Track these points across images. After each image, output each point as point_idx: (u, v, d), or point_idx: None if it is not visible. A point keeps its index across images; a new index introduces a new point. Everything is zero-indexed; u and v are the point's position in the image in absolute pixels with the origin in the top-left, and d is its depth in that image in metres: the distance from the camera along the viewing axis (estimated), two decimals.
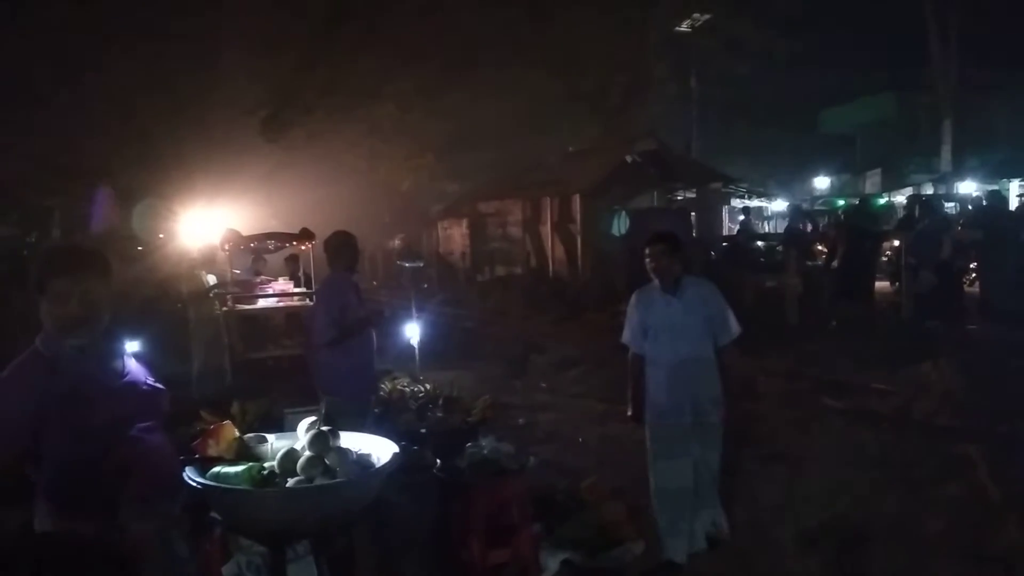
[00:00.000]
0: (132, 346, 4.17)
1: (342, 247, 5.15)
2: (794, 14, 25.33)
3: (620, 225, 15.01)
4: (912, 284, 11.09)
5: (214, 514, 2.60)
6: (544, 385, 9.30)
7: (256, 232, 11.39)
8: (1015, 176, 20.85)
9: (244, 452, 2.57)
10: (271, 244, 11.25)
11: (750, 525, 4.89)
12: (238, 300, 10.15)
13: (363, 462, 2.51)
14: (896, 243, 13.05)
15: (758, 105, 30.11)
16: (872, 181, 28.08)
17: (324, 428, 2.58)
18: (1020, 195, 18.39)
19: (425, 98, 23.80)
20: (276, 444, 2.64)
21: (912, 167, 27.02)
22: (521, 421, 7.36)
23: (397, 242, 24.31)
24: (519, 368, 10.29)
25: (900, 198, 23.24)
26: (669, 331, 4.48)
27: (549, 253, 18.90)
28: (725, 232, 21.22)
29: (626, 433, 6.98)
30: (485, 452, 4.09)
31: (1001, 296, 10.87)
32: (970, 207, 17.92)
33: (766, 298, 12.75)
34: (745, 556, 4.52)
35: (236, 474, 2.45)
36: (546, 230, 19.00)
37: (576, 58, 23.93)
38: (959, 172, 23.11)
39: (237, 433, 2.61)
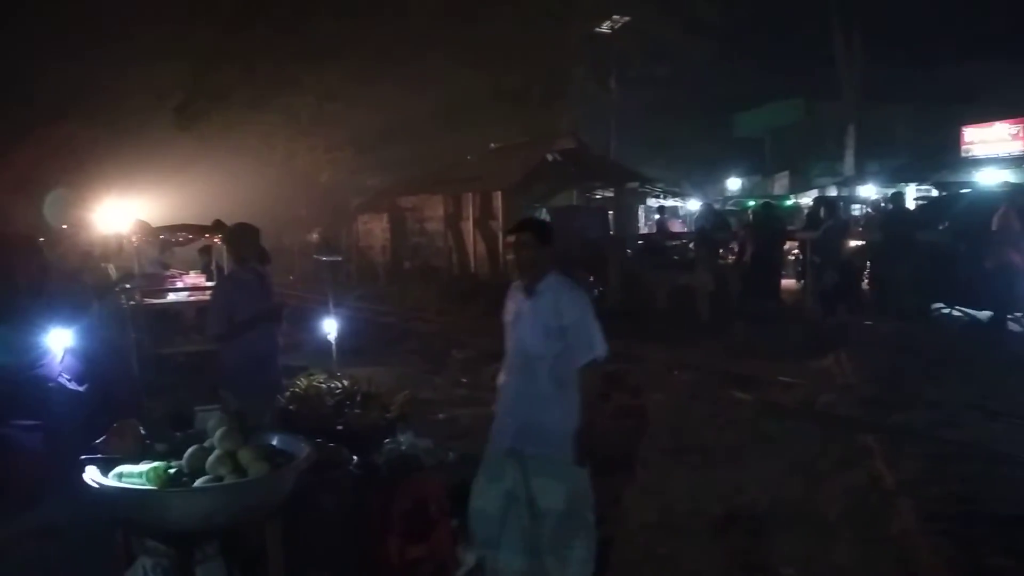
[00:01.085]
0: (64, 342, 3.96)
1: (241, 239, 5.04)
2: (710, 20, 26.08)
3: None
4: (816, 282, 11.62)
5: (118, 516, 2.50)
6: (464, 380, 9.30)
7: (167, 224, 10.99)
8: (912, 181, 22.05)
9: (150, 451, 2.48)
10: (182, 236, 10.87)
11: (660, 515, 5.02)
12: (147, 294, 9.77)
13: (275, 460, 2.46)
14: (801, 242, 13.64)
15: (674, 108, 30.90)
16: (780, 183, 29.18)
17: (235, 425, 2.51)
18: (917, 199, 19.47)
19: (345, 90, 23.45)
20: (184, 443, 2.56)
21: (818, 170, 28.21)
22: (441, 416, 7.34)
23: (315, 236, 23.85)
24: (439, 364, 10.25)
25: (806, 200, 24.27)
26: (513, 337, 3.83)
27: (470, 249, 18.91)
28: (641, 230, 21.69)
29: None
30: (403, 448, 4.07)
31: (897, 293, 11.50)
32: (869, 210, 18.89)
33: (679, 295, 13.10)
34: (655, 545, 4.64)
35: (140, 473, 2.37)
36: (468, 226, 19.01)
37: (498, 56, 24.00)
38: (861, 176, 24.28)
39: (142, 431, 2.52)
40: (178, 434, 2.61)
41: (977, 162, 21.37)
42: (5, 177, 17.01)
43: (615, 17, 24.71)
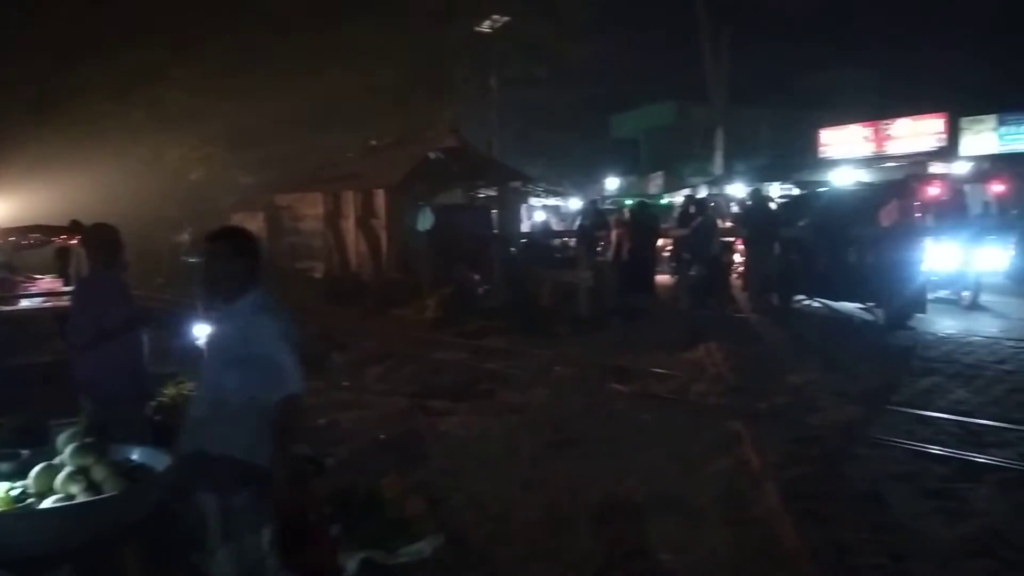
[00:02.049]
0: None
1: (101, 242, 4.72)
2: (588, 22, 26.71)
3: (424, 221, 15.07)
4: (687, 277, 12.13)
5: None
6: (346, 383, 9.10)
7: (18, 225, 10.19)
8: (775, 180, 23.38)
9: None
10: (34, 238, 10.10)
11: (544, 509, 5.09)
12: None
13: (134, 475, 2.29)
14: (674, 239, 14.20)
15: (554, 109, 31.44)
16: (655, 183, 30.25)
17: (88, 440, 2.32)
18: (780, 196, 20.67)
19: (215, 83, 22.49)
20: (32, 460, 2.34)
21: (689, 170, 29.45)
22: (321, 421, 7.15)
23: (185, 236, 22.72)
24: (319, 367, 9.98)
25: (679, 199, 25.29)
26: (205, 360, 3.35)
27: (352, 248, 18.54)
28: (524, 229, 21.93)
29: (428, 428, 7.05)
30: None
31: (763, 287, 12.18)
32: (737, 208, 19.86)
33: (561, 292, 13.36)
34: (539, 539, 4.70)
35: None
36: (348, 225, 18.62)
37: (377, 52, 23.67)
38: (729, 175, 25.52)
39: None
40: (25, 452, 2.39)
41: (833, 162, 22.90)
42: None
43: (495, 17, 24.82)
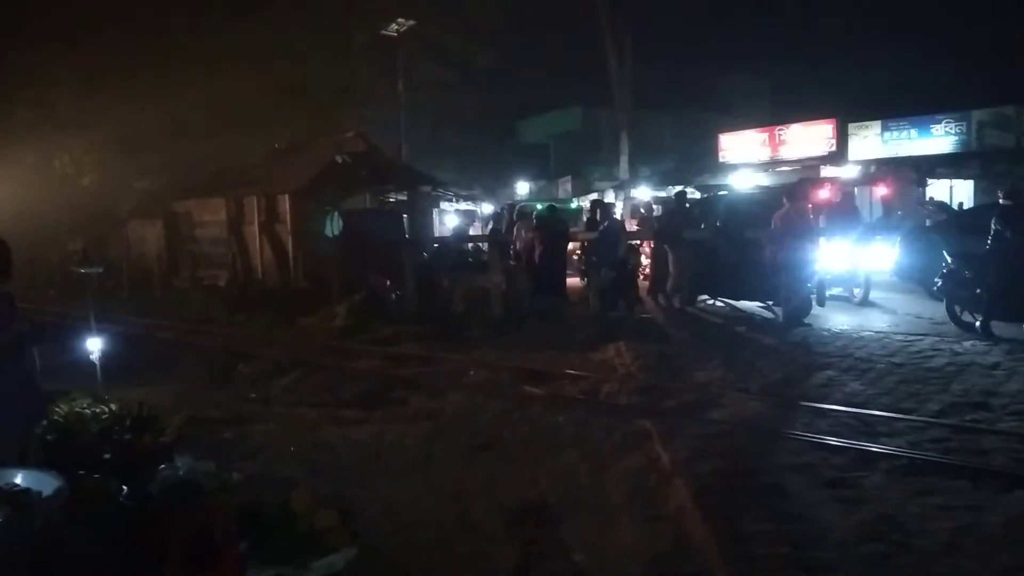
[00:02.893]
0: None
1: None
2: (494, 28, 26.84)
3: (333, 226, 14.78)
4: (596, 279, 12.34)
5: None
6: (253, 395, 8.83)
7: None
8: (678, 183, 24.05)
9: None
10: None
11: (458, 514, 5.07)
12: None
13: (17, 500, 2.13)
14: (583, 243, 14.43)
15: (463, 112, 31.48)
16: (564, 187, 30.65)
17: None
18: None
19: (108, 84, 21.45)
20: None
21: (597, 175, 29.97)
22: (227, 435, 6.91)
23: (76, 245, 21.56)
24: (224, 379, 9.66)
25: (587, 202, 25.71)
26: None
27: (257, 255, 18.01)
28: (436, 234, 21.84)
29: (340, 438, 6.92)
30: (181, 473, 3.78)
31: (668, 287, 12.53)
32: (642, 211, 20.34)
33: (473, 296, 13.36)
34: (454, 544, 4.68)
35: None
36: (252, 231, 18.08)
37: (280, 53, 23.11)
38: (635, 180, 26.12)
39: None
40: None
41: (732, 166, 23.77)
42: None
43: (400, 20, 24.67)
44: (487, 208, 27.35)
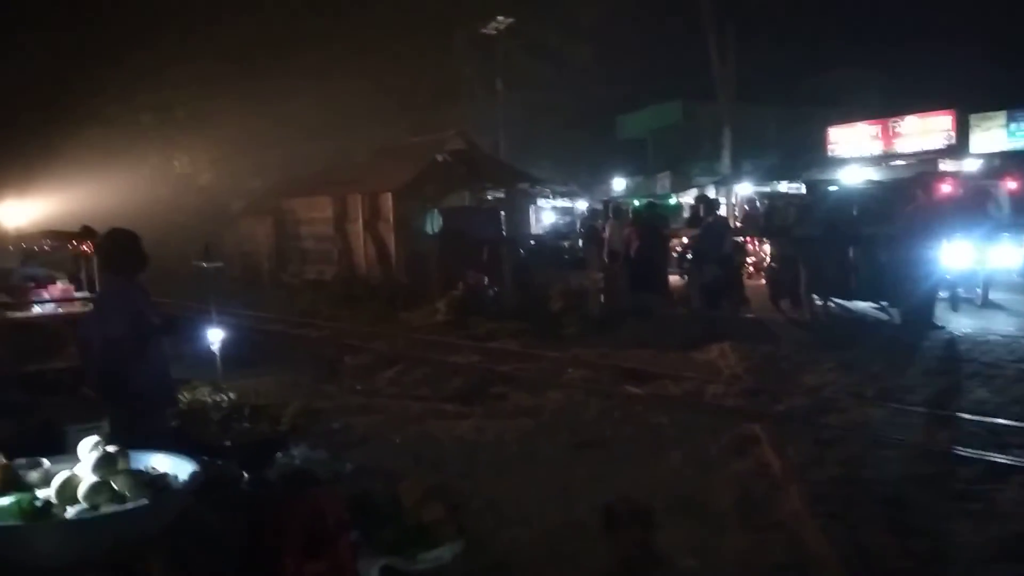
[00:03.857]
0: None
1: (126, 249, 4.60)
2: (592, 23, 26.68)
3: (433, 224, 15.02)
4: (698, 277, 12.03)
5: None
6: (359, 387, 9.06)
7: (30, 230, 10.16)
8: (783, 179, 23.28)
9: (13, 481, 2.19)
10: (47, 244, 10.07)
11: (563, 514, 5.03)
12: (8, 306, 8.99)
13: (157, 484, 2.24)
14: (684, 239, 14.12)
15: (560, 110, 31.41)
16: (662, 183, 30.14)
17: (110, 448, 2.26)
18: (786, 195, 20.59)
19: (222, 88, 22.54)
20: (53, 470, 2.28)
21: (697, 170, 29.32)
22: (336, 426, 7.09)
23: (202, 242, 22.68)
24: (332, 371, 9.96)
25: (686, 199, 25.20)
26: None
27: (360, 252, 18.53)
28: (533, 231, 21.87)
29: (442, 431, 7.00)
30: (297, 461, 3.90)
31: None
32: (746, 207, 19.76)
33: (571, 293, 13.29)
34: (559, 545, 4.64)
35: (2, 508, 2.09)
36: (357, 228, 18.61)
37: (384, 56, 23.70)
38: (737, 175, 25.41)
39: (2, 459, 2.23)
40: (46, 461, 2.33)
41: (842, 161, 22.76)
42: None
43: (499, 18, 24.85)
44: (583, 205, 27.20)
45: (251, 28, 22.78)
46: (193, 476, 2.23)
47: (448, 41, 26.34)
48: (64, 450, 2.87)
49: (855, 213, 11.35)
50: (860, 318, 11.16)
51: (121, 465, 2.22)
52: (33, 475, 2.20)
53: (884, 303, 11.06)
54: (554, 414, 7.40)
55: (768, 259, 12.99)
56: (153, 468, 2.32)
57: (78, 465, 2.24)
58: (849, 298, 11.50)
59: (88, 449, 2.28)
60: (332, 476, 3.82)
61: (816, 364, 8.56)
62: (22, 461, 2.26)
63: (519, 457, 6.19)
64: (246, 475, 3.64)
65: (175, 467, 2.32)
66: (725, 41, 24.77)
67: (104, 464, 2.17)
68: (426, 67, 25.40)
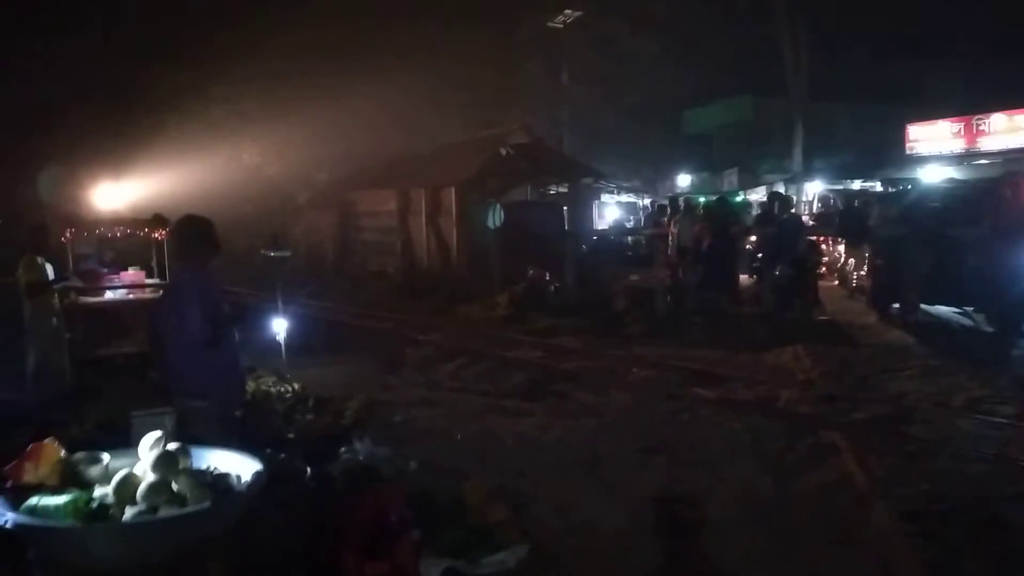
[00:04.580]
0: None
1: (200, 236, 4.54)
2: (659, 16, 26.17)
3: (495, 218, 14.90)
4: (770, 276, 11.60)
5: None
6: (421, 380, 8.99)
7: (103, 217, 10.37)
8: (857, 177, 22.44)
9: (71, 477, 2.09)
10: (119, 230, 10.27)
11: (630, 519, 4.83)
12: (82, 291, 9.21)
13: (219, 484, 2.12)
14: (754, 238, 13.64)
15: (626, 104, 30.94)
16: (729, 179, 29.47)
17: (171, 446, 2.14)
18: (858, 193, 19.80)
19: (293, 81, 22.89)
20: (113, 465, 2.18)
21: (766, 167, 28.56)
22: (398, 419, 7.02)
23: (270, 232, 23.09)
24: (393, 362, 9.92)
25: (754, 196, 24.53)
26: None
27: (423, 245, 18.54)
28: (596, 226, 21.57)
29: (504, 429, 6.85)
30: (360, 457, 3.79)
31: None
32: (820, 206, 19.08)
33: (635, 290, 12.99)
34: (624, 549, 4.45)
35: (58, 507, 1.98)
36: (419, 221, 18.62)
37: (450, 49, 23.70)
38: (808, 173, 24.62)
39: (63, 453, 2.14)
40: (106, 456, 2.24)
41: (921, 159, 21.81)
42: (10, 159, 18.72)
43: (567, 12, 24.58)
44: (646, 200, 26.76)
45: (317, 26, 23.06)
46: (256, 477, 2.11)
47: (514, 35, 26.18)
48: (131, 436, 2.82)
49: (940, 213, 10.72)
50: (943, 323, 10.58)
51: (182, 464, 2.11)
52: (93, 471, 2.10)
53: (969, 308, 10.48)
54: (619, 415, 7.18)
55: (866, 260, 12.26)
56: (215, 468, 2.21)
57: (138, 463, 2.14)
58: (932, 302, 10.91)
59: (149, 446, 2.18)
60: (396, 473, 3.70)
61: (895, 371, 8.13)
62: (81, 455, 2.16)
63: (583, 459, 5.99)
64: (309, 470, 3.54)
65: (238, 466, 2.20)
66: (797, 34, 24.00)
67: (164, 463, 2.06)
68: (491, 61, 25.28)
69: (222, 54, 22.07)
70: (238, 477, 2.16)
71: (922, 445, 5.84)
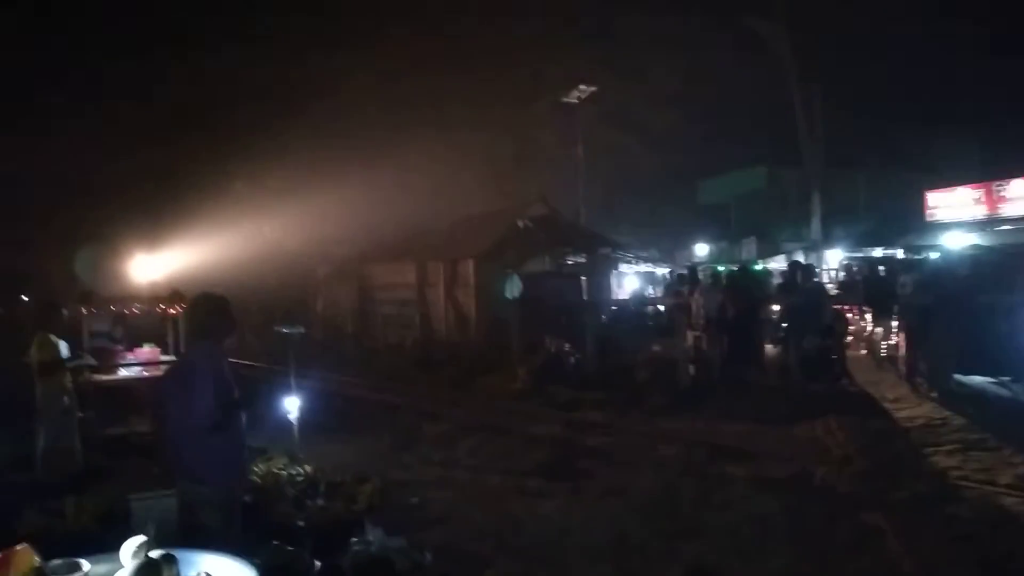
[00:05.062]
0: None
1: (217, 315, 4.42)
2: (674, 88, 26.60)
3: (513, 288, 14.78)
4: (798, 348, 11.29)
5: None
6: (437, 458, 8.70)
7: (120, 294, 10.38)
8: (878, 245, 22.24)
9: None
10: (135, 307, 10.24)
11: None
12: (95, 370, 9.10)
13: None
14: (777, 307, 13.35)
15: (641, 175, 31.24)
16: (748, 248, 29.34)
17: (155, 556, 1.92)
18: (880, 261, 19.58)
19: (313, 157, 23.35)
20: (96, 570, 1.96)
21: (784, 236, 28.45)
22: (414, 500, 6.73)
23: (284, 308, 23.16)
24: (409, 439, 9.64)
25: (773, 264, 24.33)
26: None
27: (441, 317, 18.43)
28: (615, 296, 21.39)
29: (525, 511, 6.54)
30: (373, 549, 3.54)
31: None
32: (843, 275, 18.82)
33: (658, 362, 12.70)
34: None
35: None
36: (437, 293, 18.56)
37: (466, 125, 24.14)
38: (827, 240, 24.46)
39: (36, 561, 1.93)
40: (86, 565, 2.01)
41: (942, 226, 21.62)
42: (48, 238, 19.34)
43: (581, 87, 25.01)
44: (664, 270, 26.63)
45: (335, 102, 23.66)
46: None
47: (529, 110, 26.65)
48: (131, 521, 2.62)
49: (969, 281, 10.45)
50: (978, 394, 10.18)
51: (166, 574, 1.88)
52: None
53: (1006, 378, 10.10)
54: (646, 496, 6.84)
55: (895, 329, 11.91)
56: (207, 573, 1.99)
57: (118, 573, 1.91)
58: (966, 372, 10.53)
59: (131, 552, 1.96)
60: (411, 567, 3.43)
61: (934, 446, 7.76)
62: (58, 563, 1.94)
63: (611, 545, 5.66)
64: (318, 564, 3.29)
65: (231, 572, 1.97)
66: (811, 104, 24.21)
67: (146, 574, 1.84)
68: (507, 136, 25.72)
69: (242, 132, 22.62)
70: None
71: (971, 527, 5.47)
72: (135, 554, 1.91)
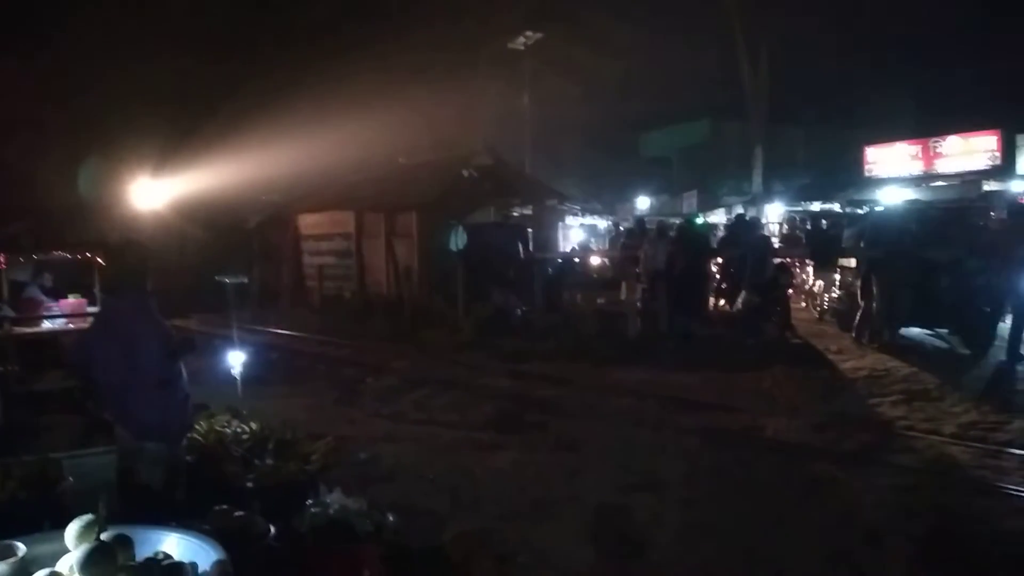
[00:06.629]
0: None
1: (145, 263, 4.21)
2: (619, 40, 26.26)
3: (457, 240, 14.48)
4: (743, 300, 11.39)
5: None
6: (384, 412, 8.48)
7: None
8: (817, 199, 22.66)
9: None
10: (56, 256, 9.60)
11: (619, 568, 4.43)
12: (16, 322, 8.52)
13: None
14: (720, 260, 13.43)
15: (583, 126, 30.94)
16: (689, 202, 29.58)
17: (105, 536, 1.63)
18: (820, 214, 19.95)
19: (243, 101, 22.28)
20: (32, 554, 1.65)
21: (725, 189, 28.76)
22: (363, 456, 6.53)
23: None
24: (353, 393, 9.39)
25: (714, 218, 24.59)
26: None
27: (382, 269, 17.98)
28: (561, 248, 21.29)
29: (478, 465, 6.41)
30: (331, 511, 3.29)
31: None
32: (786, 226, 19.10)
33: (606, 315, 12.68)
34: None
35: None
36: (378, 245, 18.07)
37: (409, 68, 23.35)
38: (768, 195, 24.80)
39: None
40: (22, 548, 1.70)
41: (880, 181, 22.11)
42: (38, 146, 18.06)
43: (527, 33, 24.48)
44: (606, 223, 26.65)
45: (272, 49, 22.58)
46: (218, 567, 1.64)
47: (475, 56, 25.97)
48: (60, 483, 2.35)
49: (915, 235, 10.57)
50: (917, 346, 10.46)
51: (122, 559, 1.61)
52: (1, 568, 1.60)
53: (943, 330, 10.39)
54: (599, 448, 6.78)
55: (838, 282, 12.09)
56: (165, 554, 1.73)
57: (64, 559, 1.62)
58: (908, 324, 10.76)
59: (77, 534, 1.67)
60: (372, 530, 3.21)
61: (881, 396, 7.93)
62: None
63: (566, 499, 5.57)
64: (271, 528, 3.04)
65: (195, 553, 1.72)
66: (757, 58, 24.26)
67: (99, 561, 1.56)
68: (452, 82, 24.99)
69: (173, 70, 21.43)
70: (194, 566, 1.69)
71: (921, 477, 5.57)
72: (82, 535, 1.64)
